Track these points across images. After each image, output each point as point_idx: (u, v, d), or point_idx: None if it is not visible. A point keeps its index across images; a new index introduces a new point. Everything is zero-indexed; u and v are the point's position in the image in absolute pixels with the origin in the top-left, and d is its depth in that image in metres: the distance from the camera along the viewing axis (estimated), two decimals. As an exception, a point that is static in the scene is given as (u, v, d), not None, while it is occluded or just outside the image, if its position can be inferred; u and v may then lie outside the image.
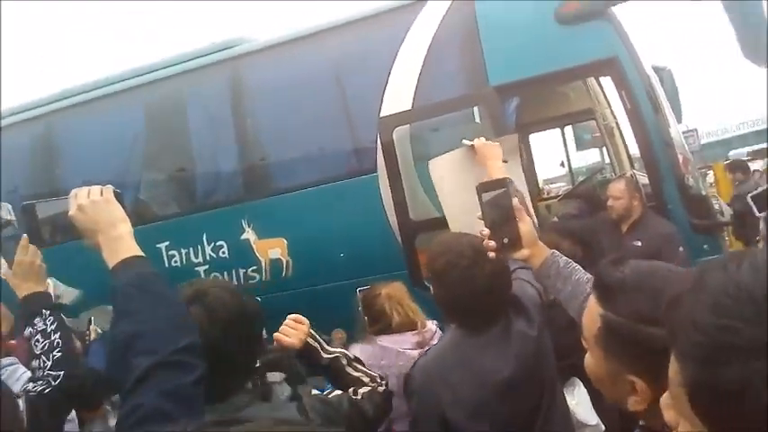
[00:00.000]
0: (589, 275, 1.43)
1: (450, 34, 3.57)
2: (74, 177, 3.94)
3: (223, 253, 3.77)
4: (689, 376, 0.57)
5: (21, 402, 1.38)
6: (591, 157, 7.96)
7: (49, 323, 1.54)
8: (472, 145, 2.21)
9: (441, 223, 3.45)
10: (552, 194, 6.80)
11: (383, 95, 3.56)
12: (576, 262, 1.58)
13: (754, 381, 0.50)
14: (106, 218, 1.14)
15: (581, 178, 6.72)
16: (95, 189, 1.17)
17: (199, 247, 3.85)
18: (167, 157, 4.22)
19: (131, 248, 1.12)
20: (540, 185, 7.52)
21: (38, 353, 1.51)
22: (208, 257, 3.78)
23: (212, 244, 3.79)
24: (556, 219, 4.64)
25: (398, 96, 3.54)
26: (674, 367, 0.60)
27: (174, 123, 4.15)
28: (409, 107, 3.51)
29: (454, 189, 2.31)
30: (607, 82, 4.88)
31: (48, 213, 1.31)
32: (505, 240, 1.47)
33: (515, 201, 1.49)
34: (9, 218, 1.74)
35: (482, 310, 1.60)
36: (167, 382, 0.95)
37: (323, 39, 3.87)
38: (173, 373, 0.97)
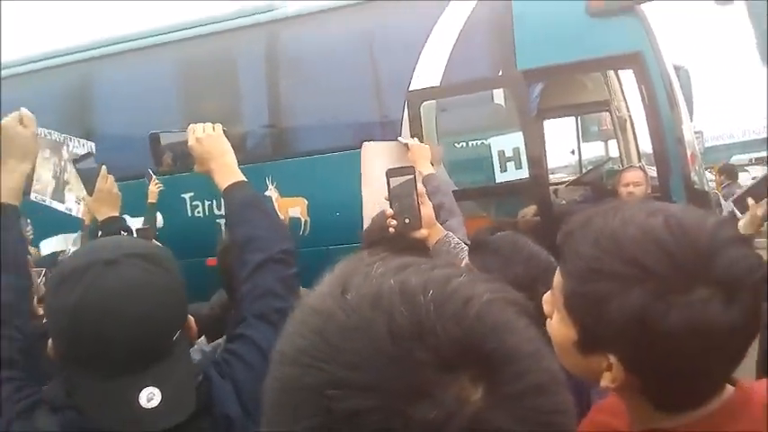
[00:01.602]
0: None
1: (485, 17, 3.69)
2: (110, 126, 4.10)
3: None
4: (568, 288, 0.77)
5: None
6: (598, 150, 8.12)
7: None
8: (406, 144, 2.48)
9: (458, 196, 3.66)
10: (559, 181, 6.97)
11: (413, 70, 3.69)
12: None
13: (612, 296, 0.70)
14: (218, 148, 1.39)
15: (588, 168, 6.88)
16: (209, 126, 1.41)
17: (222, 200, 4.00)
18: (199, 113, 4.36)
19: (238, 174, 1.38)
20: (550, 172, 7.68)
21: None
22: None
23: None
24: (563, 202, 4.83)
25: (428, 72, 3.67)
26: (558, 279, 0.80)
27: (209, 81, 4.27)
28: (438, 84, 3.65)
29: (378, 173, 2.51)
30: (625, 76, 5.03)
31: (168, 142, 1.50)
32: (407, 220, 1.67)
33: (419, 186, 1.70)
34: (90, 151, 1.91)
35: None
36: (277, 271, 1.23)
37: (360, 11, 3.98)
38: (280, 266, 1.24)
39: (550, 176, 8.63)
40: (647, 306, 0.68)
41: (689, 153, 3.66)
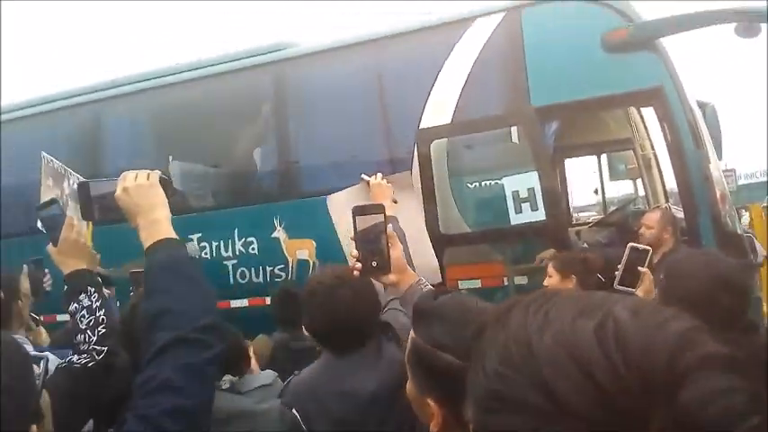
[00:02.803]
0: None
1: (496, 52, 3.60)
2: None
3: (252, 249, 3.83)
4: (472, 415, 0.53)
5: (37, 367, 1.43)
6: (624, 187, 7.89)
7: (93, 300, 1.60)
8: (368, 181, 2.35)
9: (470, 239, 3.49)
10: (582, 221, 6.76)
11: (424, 108, 3.60)
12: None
13: None
14: (147, 202, 1.22)
15: (612, 208, 6.65)
16: (143, 173, 1.25)
17: (229, 241, 3.92)
18: (206, 152, 4.33)
19: (166, 232, 1.19)
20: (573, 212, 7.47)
21: (83, 328, 1.58)
22: (237, 252, 3.84)
23: (243, 239, 3.86)
24: (585, 245, 4.60)
25: (439, 110, 3.57)
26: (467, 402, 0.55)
27: (219, 120, 4.25)
28: (449, 121, 3.54)
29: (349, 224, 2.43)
30: (648, 113, 4.86)
31: (99, 192, 1.37)
32: (374, 263, 1.52)
33: (389, 228, 1.55)
34: (54, 197, 1.80)
35: (346, 333, 1.62)
36: (183, 356, 1.01)
37: (370, 48, 3.93)
38: (189, 350, 1.03)
39: (577, 216, 8.43)
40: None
41: (718, 193, 3.45)
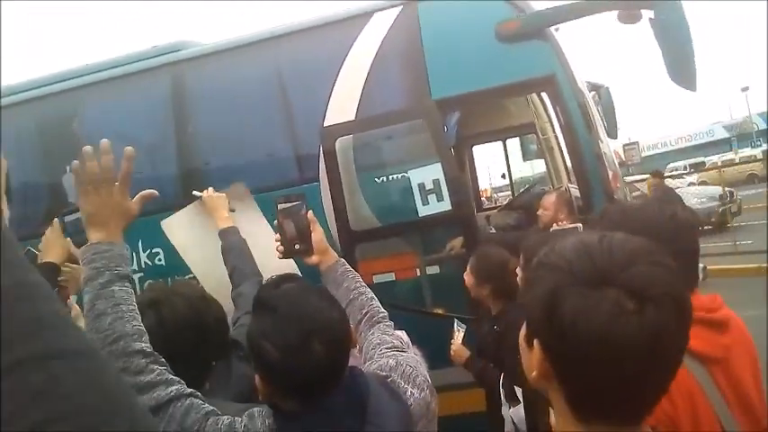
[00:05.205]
0: (363, 289, 1.67)
1: (395, 47, 3.62)
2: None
3: (159, 260, 3.68)
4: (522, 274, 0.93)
5: None
6: (532, 168, 8.22)
7: None
8: (201, 197, 2.49)
9: (380, 233, 3.52)
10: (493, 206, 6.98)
11: (327, 105, 3.57)
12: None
13: (539, 280, 0.81)
14: None
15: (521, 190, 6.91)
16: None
17: (133, 254, 3.74)
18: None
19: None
20: (486, 195, 7.70)
21: None
22: (143, 265, 3.68)
23: (148, 251, 3.69)
24: (493, 229, 4.76)
25: (342, 107, 3.55)
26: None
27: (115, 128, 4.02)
28: (353, 118, 3.53)
29: (193, 246, 2.51)
30: (547, 98, 5.06)
31: None
32: (297, 246, 1.68)
33: (310, 213, 1.70)
34: None
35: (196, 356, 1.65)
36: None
37: (268, 47, 3.85)
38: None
39: (496, 197, 8.73)
40: (557, 290, 0.77)
41: (610, 172, 3.66)
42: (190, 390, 1.23)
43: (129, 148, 1.39)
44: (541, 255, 0.84)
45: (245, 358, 1.72)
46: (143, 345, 1.21)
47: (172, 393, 1.19)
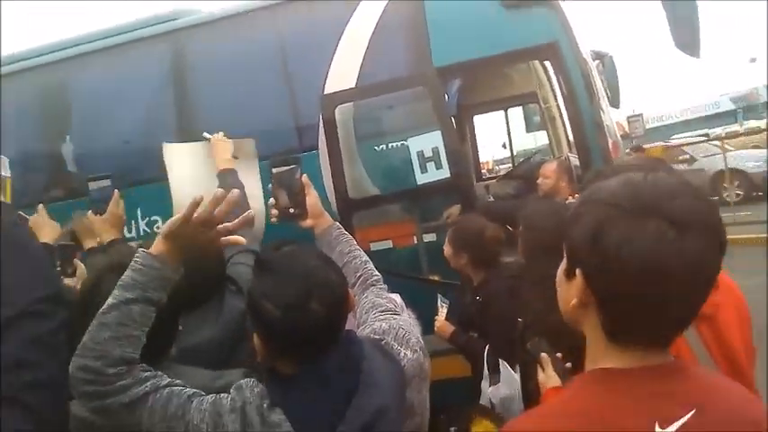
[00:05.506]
0: (357, 253, 1.68)
1: (397, 14, 3.56)
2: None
3: (158, 228, 3.69)
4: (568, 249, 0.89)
5: None
6: (535, 140, 8.16)
7: None
8: (209, 139, 2.47)
9: (378, 201, 3.52)
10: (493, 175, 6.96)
11: (327, 73, 3.53)
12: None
13: (585, 214, 0.85)
14: None
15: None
16: None
17: (132, 222, 3.75)
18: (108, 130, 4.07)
19: None
20: (487, 167, 7.67)
21: None
22: (142, 233, 3.69)
23: (147, 219, 3.70)
24: (492, 198, 4.76)
25: (343, 75, 3.51)
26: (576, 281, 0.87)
27: (114, 97, 3.99)
28: (353, 86, 3.49)
29: (189, 180, 2.50)
30: (550, 67, 5.00)
31: None
32: (292, 210, 1.69)
33: (304, 177, 1.70)
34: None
35: (193, 290, 1.68)
36: (29, 330, 1.00)
37: (269, 14, 3.78)
38: (34, 323, 1.01)
39: (497, 169, 8.67)
40: (604, 221, 0.81)
41: (610, 142, 3.63)
42: (167, 380, 1.22)
43: (236, 190, 1.35)
44: (586, 193, 0.90)
45: (236, 292, 1.80)
46: (117, 369, 1.17)
47: (147, 388, 1.17)
